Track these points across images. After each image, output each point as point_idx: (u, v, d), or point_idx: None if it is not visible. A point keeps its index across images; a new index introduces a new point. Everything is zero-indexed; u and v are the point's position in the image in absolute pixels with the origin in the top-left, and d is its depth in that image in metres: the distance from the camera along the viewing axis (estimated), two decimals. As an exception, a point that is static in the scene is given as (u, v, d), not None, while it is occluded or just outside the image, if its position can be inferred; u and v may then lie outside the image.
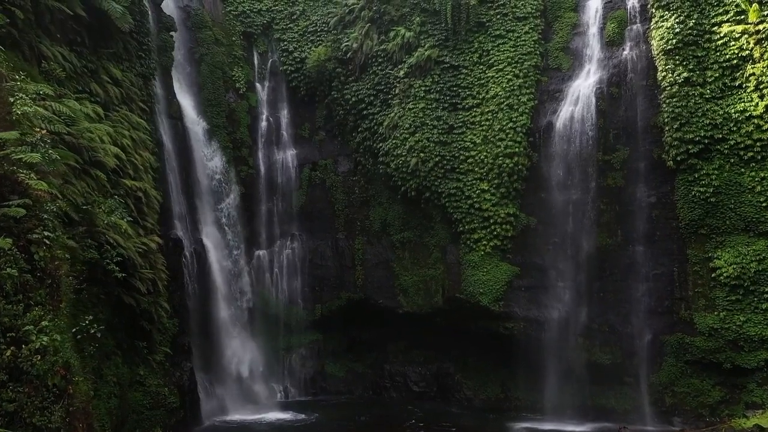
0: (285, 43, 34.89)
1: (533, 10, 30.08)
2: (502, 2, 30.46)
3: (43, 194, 10.98)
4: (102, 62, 22.05)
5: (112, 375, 19.04)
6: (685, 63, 25.90)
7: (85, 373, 17.36)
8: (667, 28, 26.31)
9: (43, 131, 12.09)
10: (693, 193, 25.76)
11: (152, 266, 21.83)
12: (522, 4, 30.20)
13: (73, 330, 10.72)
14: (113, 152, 19.46)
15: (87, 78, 20.88)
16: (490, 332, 30.07)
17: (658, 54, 26.68)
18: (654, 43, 26.84)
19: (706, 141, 25.42)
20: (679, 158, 25.98)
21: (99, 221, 17.29)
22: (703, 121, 25.48)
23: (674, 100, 25.97)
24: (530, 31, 29.95)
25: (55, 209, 11.56)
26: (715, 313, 25.35)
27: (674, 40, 26.03)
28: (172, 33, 29.67)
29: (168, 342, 23.89)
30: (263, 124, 34.56)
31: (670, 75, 26.14)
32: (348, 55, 32.91)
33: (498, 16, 30.46)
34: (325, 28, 34.38)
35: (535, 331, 28.94)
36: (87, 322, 11.76)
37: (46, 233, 10.72)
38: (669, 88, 26.19)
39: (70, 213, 15.38)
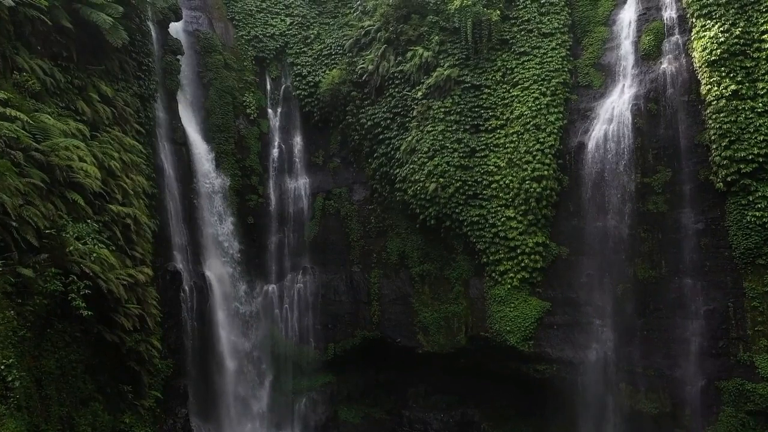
0: (298, 67, 33.36)
1: (560, 26, 28.28)
2: (526, 18, 28.69)
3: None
4: (92, 79, 20.52)
5: (87, 424, 17.04)
6: (732, 75, 23.51)
7: (49, 422, 15.23)
8: (710, 37, 24.00)
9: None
10: (747, 218, 22.95)
11: (140, 300, 19.82)
12: (548, 20, 28.40)
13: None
14: (95, 174, 17.62)
15: (73, 95, 19.32)
16: (519, 375, 27.37)
17: (700, 66, 24.30)
18: (696, 54, 24.49)
19: (761, 159, 22.80)
20: (729, 179, 23.28)
21: (70, 249, 15.32)
22: (756, 138, 22.87)
23: (722, 115, 23.46)
24: (557, 47, 28.08)
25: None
26: (780, 355, 22.17)
27: (719, 51, 23.72)
28: (179, 56, 28.40)
29: (160, 385, 21.80)
30: (275, 151, 32.79)
31: (716, 88, 23.69)
32: (363, 78, 31.20)
33: (522, 33, 28.62)
34: (340, 51, 32.86)
35: (569, 374, 26.25)
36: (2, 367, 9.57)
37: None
38: (715, 102, 23.70)
39: (29, 238, 13.41)
